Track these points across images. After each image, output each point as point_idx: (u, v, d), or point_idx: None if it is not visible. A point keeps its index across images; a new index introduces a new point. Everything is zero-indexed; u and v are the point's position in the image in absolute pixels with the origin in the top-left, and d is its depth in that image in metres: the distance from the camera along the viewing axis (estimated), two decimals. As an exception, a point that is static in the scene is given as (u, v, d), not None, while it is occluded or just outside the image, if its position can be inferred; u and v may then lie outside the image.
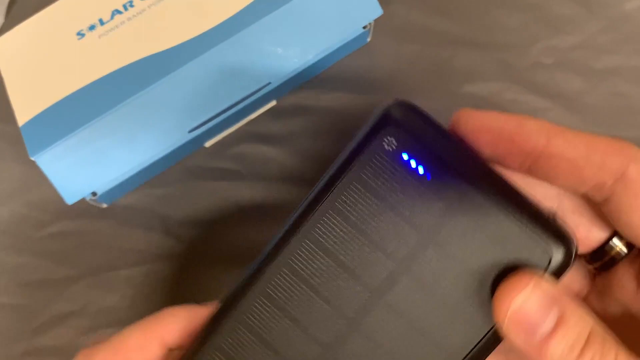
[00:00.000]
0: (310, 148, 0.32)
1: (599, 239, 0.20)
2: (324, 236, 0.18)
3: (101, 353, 0.19)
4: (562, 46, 0.32)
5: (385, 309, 0.18)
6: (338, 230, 0.18)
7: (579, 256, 0.21)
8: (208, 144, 0.32)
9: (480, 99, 0.31)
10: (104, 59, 0.29)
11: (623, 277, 0.20)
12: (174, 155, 0.31)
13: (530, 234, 0.17)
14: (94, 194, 0.30)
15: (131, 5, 0.30)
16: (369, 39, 0.33)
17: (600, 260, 0.20)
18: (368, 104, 0.32)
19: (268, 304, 0.18)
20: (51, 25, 0.31)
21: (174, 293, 0.30)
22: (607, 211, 0.19)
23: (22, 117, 0.29)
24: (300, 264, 0.18)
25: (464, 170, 0.17)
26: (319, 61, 0.31)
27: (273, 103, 0.32)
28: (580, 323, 0.16)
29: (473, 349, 0.18)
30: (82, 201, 0.30)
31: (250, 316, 0.19)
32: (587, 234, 0.20)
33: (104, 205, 0.32)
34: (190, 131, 0.29)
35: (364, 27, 0.31)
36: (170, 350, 0.20)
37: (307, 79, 0.32)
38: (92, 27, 0.30)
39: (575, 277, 0.22)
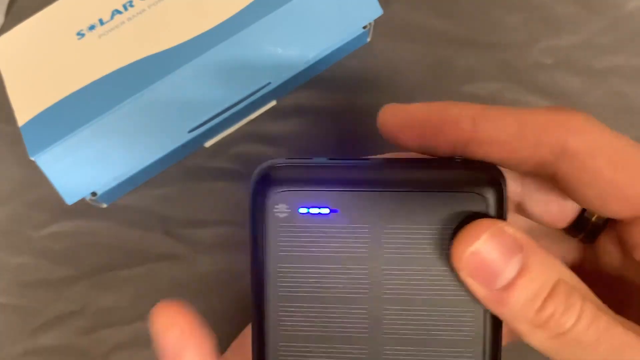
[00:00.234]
0: (310, 148, 0.32)
1: (574, 210, 0.19)
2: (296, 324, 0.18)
3: None
4: (562, 46, 0.32)
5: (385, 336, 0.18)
6: (302, 310, 0.18)
7: (566, 229, 0.20)
8: (208, 144, 0.32)
9: (480, 99, 0.31)
10: (104, 59, 0.29)
11: (607, 243, 0.19)
12: (174, 155, 0.31)
13: (451, 194, 0.17)
14: (93, 194, 0.30)
15: (131, 5, 0.30)
16: (369, 39, 0.33)
17: (584, 231, 0.19)
18: (368, 104, 0.32)
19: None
20: (51, 25, 0.31)
21: (174, 293, 0.30)
22: (561, 187, 0.17)
23: (22, 117, 0.29)
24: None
25: (361, 182, 0.18)
26: (319, 61, 0.31)
27: (273, 103, 0.32)
28: (545, 272, 0.15)
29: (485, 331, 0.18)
30: (82, 201, 0.30)
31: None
32: (560, 208, 0.19)
33: (104, 205, 0.32)
34: (190, 131, 0.29)
35: (364, 27, 0.31)
36: None
37: (307, 79, 0.32)
38: (92, 27, 0.30)
39: (567, 248, 0.21)
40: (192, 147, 0.31)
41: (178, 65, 0.28)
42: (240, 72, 0.29)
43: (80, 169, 0.28)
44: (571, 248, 0.21)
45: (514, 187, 0.20)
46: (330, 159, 0.18)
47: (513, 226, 0.16)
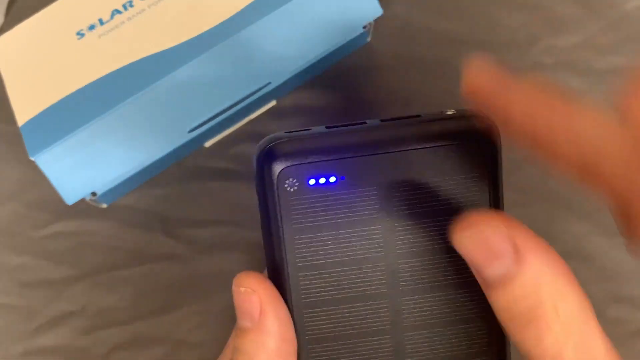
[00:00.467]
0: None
1: None
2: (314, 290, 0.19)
3: None
4: (562, 46, 0.32)
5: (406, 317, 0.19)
6: (321, 276, 0.19)
7: None
8: (208, 144, 0.32)
9: (480, 99, 0.31)
10: (104, 59, 0.29)
11: None
12: (174, 155, 0.31)
13: (450, 146, 0.18)
14: (93, 194, 0.30)
15: (131, 5, 0.30)
16: (369, 39, 0.33)
17: None
18: (368, 104, 0.32)
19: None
20: (51, 25, 0.31)
21: (174, 293, 0.30)
22: None
23: (22, 117, 0.29)
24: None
25: (363, 147, 0.18)
26: (319, 61, 0.31)
27: (273, 103, 0.32)
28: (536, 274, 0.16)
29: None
30: (82, 201, 0.30)
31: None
32: None
33: (104, 205, 0.32)
34: (190, 131, 0.29)
35: (364, 27, 0.31)
36: None
37: (307, 79, 0.32)
38: (92, 27, 0.30)
39: None
40: (192, 147, 0.31)
41: (178, 65, 0.28)
42: (240, 72, 0.29)
43: (80, 169, 0.28)
44: None
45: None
46: (328, 127, 0.19)
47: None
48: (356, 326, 0.19)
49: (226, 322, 0.29)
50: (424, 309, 0.19)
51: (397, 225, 0.18)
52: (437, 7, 0.33)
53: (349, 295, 0.19)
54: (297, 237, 0.18)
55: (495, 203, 0.19)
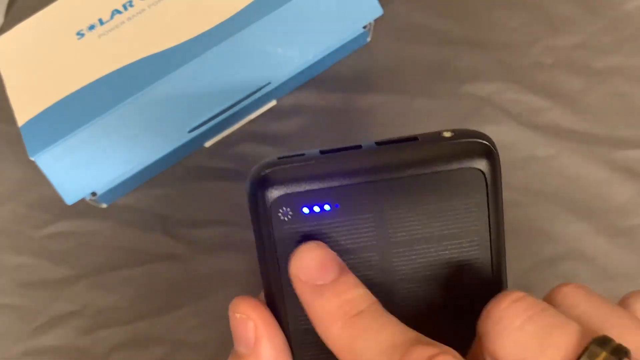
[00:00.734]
0: (310, 148, 0.31)
1: None
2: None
3: None
4: (562, 46, 0.32)
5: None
6: None
7: None
8: (208, 144, 0.32)
9: (480, 99, 0.31)
10: (104, 59, 0.29)
11: None
12: (174, 155, 0.31)
13: (449, 172, 0.17)
14: (93, 194, 0.30)
15: (131, 5, 0.30)
16: (369, 39, 0.33)
17: None
18: (368, 104, 0.32)
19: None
20: (51, 25, 0.31)
21: (174, 293, 0.30)
22: None
23: (22, 117, 0.29)
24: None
25: (358, 174, 0.18)
26: (319, 61, 0.31)
27: (273, 103, 0.32)
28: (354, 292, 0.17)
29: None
30: (82, 201, 0.30)
31: None
32: None
33: (104, 205, 0.32)
34: (190, 131, 0.29)
35: (364, 27, 0.31)
36: None
37: (307, 79, 0.32)
38: (91, 27, 0.30)
39: None
40: (192, 147, 0.31)
41: (178, 65, 0.28)
42: (240, 72, 0.29)
43: (80, 169, 0.28)
44: None
45: None
46: (322, 152, 0.18)
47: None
48: None
49: (226, 322, 0.29)
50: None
51: (394, 253, 0.18)
52: (437, 7, 0.33)
53: None
54: None
55: (495, 227, 0.18)
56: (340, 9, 0.29)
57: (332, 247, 0.18)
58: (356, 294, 0.17)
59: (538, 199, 0.29)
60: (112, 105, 0.28)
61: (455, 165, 0.17)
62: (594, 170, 0.29)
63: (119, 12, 0.30)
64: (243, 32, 0.28)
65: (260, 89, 0.30)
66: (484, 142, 0.18)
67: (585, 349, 0.14)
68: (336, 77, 0.33)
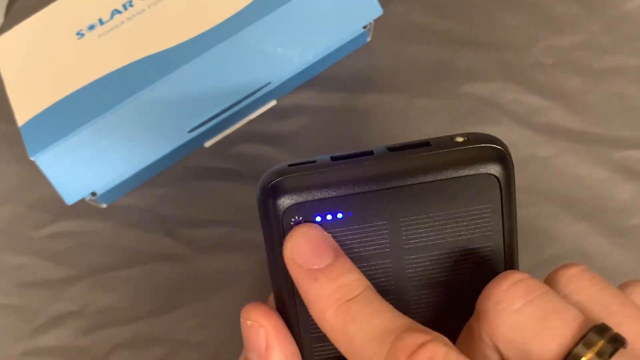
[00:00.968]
0: (310, 148, 0.32)
1: None
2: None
3: None
4: (562, 46, 0.32)
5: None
6: None
7: None
8: (208, 144, 0.32)
9: (480, 99, 0.31)
10: (104, 59, 0.29)
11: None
12: (174, 155, 0.31)
13: (463, 178, 0.17)
14: (93, 194, 0.30)
15: (131, 5, 0.30)
16: (369, 39, 0.33)
17: None
18: (368, 104, 0.32)
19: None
20: (51, 25, 0.31)
21: (175, 293, 0.30)
22: None
23: (22, 117, 0.29)
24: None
25: (370, 181, 0.17)
26: (319, 61, 0.31)
27: (273, 103, 0.32)
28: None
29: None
30: (82, 201, 0.30)
31: None
32: None
33: (104, 205, 0.32)
34: (190, 131, 0.29)
35: (364, 27, 0.31)
36: None
37: (307, 79, 0.32)
38: (91, 27, 0.30)
39: None
40: (192, 147, 0.31)
41: (178, 65, 0.28)
42: (240, 72, 0.29)
43: (80, 169, 0.28)
44: None
45: None
46: (334, 158, 0.18)
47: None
48: None
49: (226, 322, 0.29)
50: None
51: (408, 260, 0.18)
52: (437, 7, 0.33)
53: None
54: None
55: (509, 233, 0.18)
56: (340, 9, 0.29)
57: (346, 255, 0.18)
58: (351, 279, 0.17)
59: (538, 199, 0.29)
60: (112, 105, 0.28)
61: (469, 172, 0.17)
62: (594, 170, 0.29)
63: (118, 12, 0.30)
64: (243, 32, 0.28)
65: (260, 89, 0.30)
66: (498, 146, 0.18)
67: (583, 337, 0.14)
68: (336, 77, 0.32)
